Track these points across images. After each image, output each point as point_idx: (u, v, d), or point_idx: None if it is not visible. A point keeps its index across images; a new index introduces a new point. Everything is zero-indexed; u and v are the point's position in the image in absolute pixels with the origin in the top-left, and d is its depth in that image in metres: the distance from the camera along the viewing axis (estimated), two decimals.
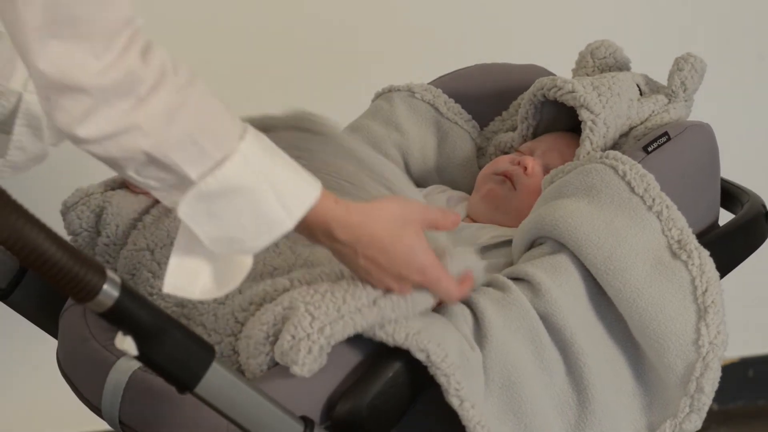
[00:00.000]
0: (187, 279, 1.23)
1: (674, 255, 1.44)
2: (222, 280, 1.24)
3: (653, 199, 1.45)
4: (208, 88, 1.20)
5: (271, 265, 1.43)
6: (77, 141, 1.16)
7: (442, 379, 1.30)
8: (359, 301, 1.29)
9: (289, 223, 1.22)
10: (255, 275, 1.41)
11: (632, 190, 1.46)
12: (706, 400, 1.41)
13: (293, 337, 1.27)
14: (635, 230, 1.44)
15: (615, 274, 1.41)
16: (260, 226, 1.22)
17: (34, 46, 1.12)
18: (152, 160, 1.18)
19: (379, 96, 1.80)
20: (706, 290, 1.43)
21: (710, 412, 1.43)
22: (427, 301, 1.34)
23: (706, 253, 1.44)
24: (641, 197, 1.45)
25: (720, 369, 1.41)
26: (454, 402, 1.31)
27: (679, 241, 1.45)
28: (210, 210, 1.20)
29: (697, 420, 1.41)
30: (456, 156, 1.76)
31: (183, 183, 1.19)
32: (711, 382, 1.40)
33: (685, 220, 1.46)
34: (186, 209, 1.19)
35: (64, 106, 1.14)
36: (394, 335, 1.30)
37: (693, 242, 1.44)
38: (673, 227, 1.45)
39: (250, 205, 1.20)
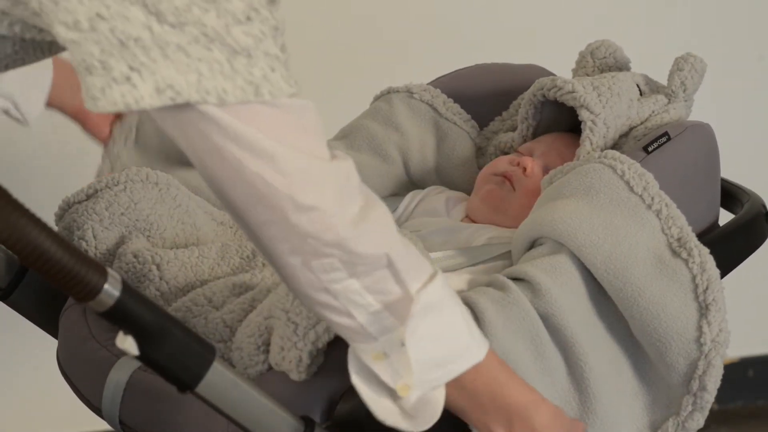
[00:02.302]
0: (387, 414, 1.24)
1: (674, 253, 1.44)
2: (417, 419, 1.25)
3: (652, 198, 1.45)
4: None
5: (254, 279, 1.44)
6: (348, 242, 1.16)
7: None
8: None
9: (480, 350, 1.26)
10: (239, 287, 1.43)
11: (631, 189, 1.46)
12: (709, 398, 1.41)
13: (282, 348, 1.28)
14: (635, 229, 1.44)
15: (615, 273, 1.41)
16: (457, 346, 1.24)
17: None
18: (389, 264, 1.18)
19: (378, 98, 1.80)
20: (707, 288, 1.43)
21: (710, 412, 1.43)
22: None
23: (706, 250, 1.44)
24: (640, 196, 1.45)
25: (722, 366, 1.41)
26: None
27: (678, 239, 1.45)
28: (425, 327, 1.21)
29: (700, 418, 1.41)
30: (455, 156, 1.76)
31: (403, 299, 1.20)
32: (714, 380, 1.40)
33: (684, 219, 1.46)
34: (412, 327, 1.20)
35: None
36: None
37: (693, 240, 1.44)
38: (673, 225, 1.45)
39: (451, 320, 1.23)
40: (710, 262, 1.44)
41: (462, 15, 2.39)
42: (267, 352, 1.31)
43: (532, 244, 1.48)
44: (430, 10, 2.39)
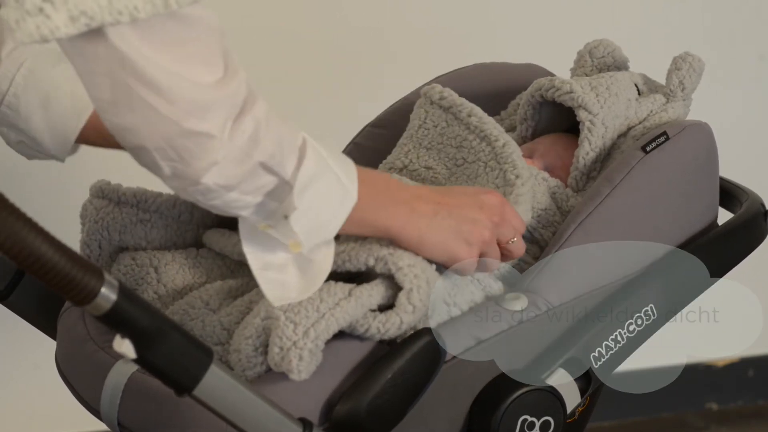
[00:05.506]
0: (281, 289, 1.29)
1: None
2: (309, 279, 1.30)
3: None
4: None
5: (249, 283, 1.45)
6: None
7: None
8: (335, 296, 1.30)
9: (354, 193, 1.29)
10: (235, 290, 1.43)
11: None
12: None
13: (281, 348, 1.28)
14: None
15: None
16: (336, 205, 1.28)
17: None
18: (263, 166, 1.21)
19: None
20: None
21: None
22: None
23: None
24: None
25: None
26: None
27: None
28: (305, 204, 1.25)
29: None
30: None
31: (281, 186, 1.24)
32: None
33: None
34: (293, 203, 1.24)
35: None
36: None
37: None
38: None
39: (327, 187, 1.26)
40: None
41: (460, 14, 2.39)
42: (265, 353, 1.31)
43: None
44: (428, 9, 2.39)
